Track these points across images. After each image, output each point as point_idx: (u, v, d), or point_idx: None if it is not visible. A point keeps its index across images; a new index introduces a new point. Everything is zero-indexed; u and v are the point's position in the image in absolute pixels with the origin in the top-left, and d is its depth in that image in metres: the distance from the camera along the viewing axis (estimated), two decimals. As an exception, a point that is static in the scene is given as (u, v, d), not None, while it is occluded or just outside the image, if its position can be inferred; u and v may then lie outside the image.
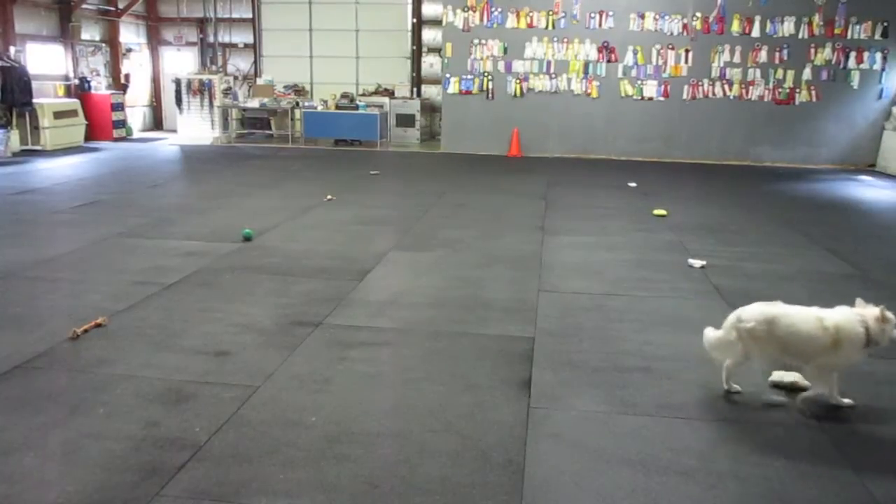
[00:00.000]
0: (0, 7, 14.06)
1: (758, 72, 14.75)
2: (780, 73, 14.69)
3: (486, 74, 15.46)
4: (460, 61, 15.51)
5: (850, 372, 4.25)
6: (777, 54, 14.62)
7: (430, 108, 17.68)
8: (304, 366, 4.20)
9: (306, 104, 16.72)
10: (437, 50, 17.11)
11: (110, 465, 3.09)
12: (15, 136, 13.80)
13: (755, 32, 14.59)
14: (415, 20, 17.66)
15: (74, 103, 15.42)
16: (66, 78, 16.12)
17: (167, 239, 7.17)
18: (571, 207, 9.44)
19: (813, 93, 14.64)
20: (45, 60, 15.47)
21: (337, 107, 16.25)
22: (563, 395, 3.89)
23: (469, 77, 15.52)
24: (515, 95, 15.43)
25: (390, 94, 17.08)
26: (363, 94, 17.31)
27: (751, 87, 14.82)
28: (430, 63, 17.72)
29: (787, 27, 14.49)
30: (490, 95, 15.50)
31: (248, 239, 7.14)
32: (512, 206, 9.47)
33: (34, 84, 14.21)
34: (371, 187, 10.82)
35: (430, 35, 17.64)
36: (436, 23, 16.89)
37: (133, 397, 3.74)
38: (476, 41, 15.37)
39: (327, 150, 15.82)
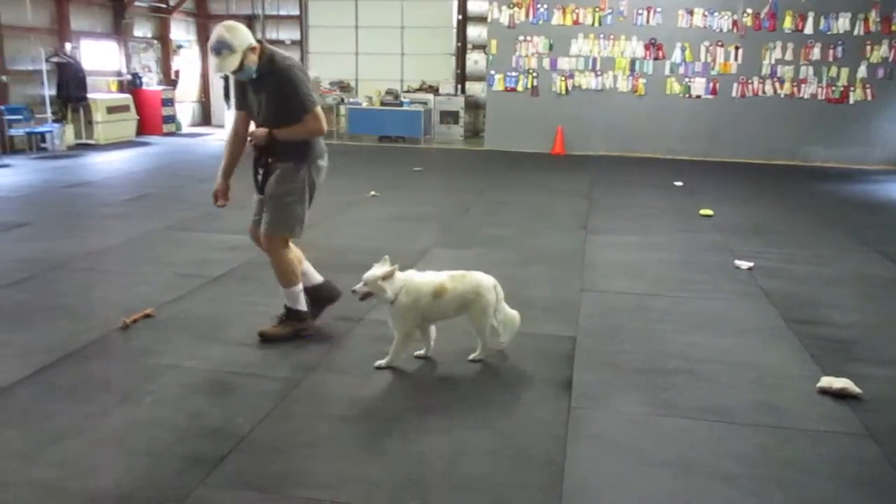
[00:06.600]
0: (56, 5, 14.47)
1: (810, 69, 14.39)
2: (833, 70, 14.29)
3: (531, 72, 15.37)
4: (505, 58, 15.44)
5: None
6: (831, 52, 14.23)
7: (474, 106, 17.64)
8: (346, 360, 4.24)
9: (351, 100, 16.84)
10: (482, 47, 17.07)
11: (156, 454, 3.16)
12: (70, 130, 14.21)
13: (808, 29, 14.21)
14: (460, 17, 17.65)
15: (126, 99, 15.80)
16: (119, 74, 16.51)
17: (213, 233, 7.29)
18: (615, 206, 9.34)
19: (868, 91, 14.22)
20: (98, 57, 15.85)
21: (381, 103, 16.30)
22: (604, 396, 3.86)
23: (514, 74, 15.45)
24: (560, 93, 15.32)
25: (434, 90, 17.08)
26: (407, 91, 17.35)
27: (803, 86, 14.46)
28: (475, 60, 17.69)
29: (842, 23, 14.08)
30: (535, 93, 15.42)
31: (292, 234, 7.20)
32: (554, 204, 9.41)
33: (88, 80, 14.59)
34: (414, 184, 10.86)
35: (475, 32, 17.61)
36: (481, 20, 16.85)
37: (179, 387, 3.82)
38: (521, 38, 15.29)
39: (371, 146, 15.91)
